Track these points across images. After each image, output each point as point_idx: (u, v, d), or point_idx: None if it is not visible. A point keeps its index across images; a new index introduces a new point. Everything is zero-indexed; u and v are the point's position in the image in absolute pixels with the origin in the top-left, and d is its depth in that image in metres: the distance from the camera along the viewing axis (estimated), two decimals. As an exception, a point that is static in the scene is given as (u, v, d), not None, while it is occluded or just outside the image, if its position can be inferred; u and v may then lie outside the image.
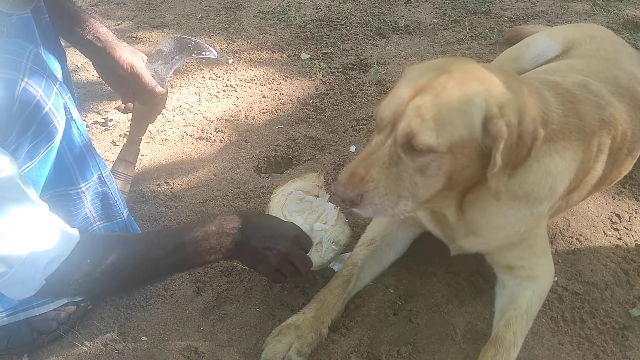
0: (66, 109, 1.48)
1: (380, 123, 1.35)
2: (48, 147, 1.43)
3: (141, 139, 2.16)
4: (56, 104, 1.41)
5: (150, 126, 2.47)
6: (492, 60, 2.54)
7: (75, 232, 1.39)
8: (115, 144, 2.51)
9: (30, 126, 1.35)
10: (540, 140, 1.35)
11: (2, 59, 1.30)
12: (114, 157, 2.23)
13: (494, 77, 1.36)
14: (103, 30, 1.80)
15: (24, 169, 1.39)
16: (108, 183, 1.68)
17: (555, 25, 2.89)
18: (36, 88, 1.34)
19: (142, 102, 1.99)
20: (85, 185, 1.60)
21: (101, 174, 1.65)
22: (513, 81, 1.41)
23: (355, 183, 1.30)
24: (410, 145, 1.28)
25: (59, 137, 1.45)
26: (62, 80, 1.69)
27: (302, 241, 1.59)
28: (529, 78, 1.75)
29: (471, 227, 1.55)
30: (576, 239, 1.90)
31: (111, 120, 2.66)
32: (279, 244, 1.53)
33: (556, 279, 1.73)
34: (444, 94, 1.28)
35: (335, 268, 1.78)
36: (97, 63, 1.87)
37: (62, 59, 1.78)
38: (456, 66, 1.35)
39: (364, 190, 1.29)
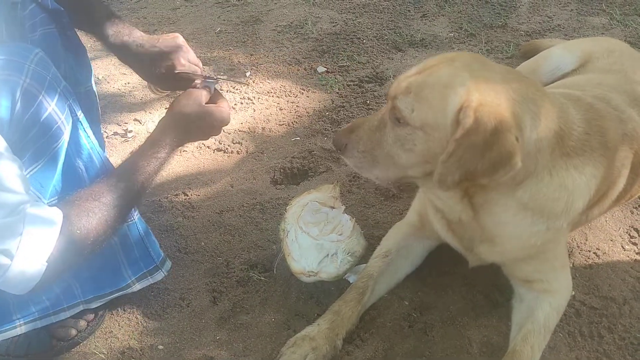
0: (72, 110, 1.48)
1: (387, 98, 1.47)
2: (54, 148, 1.43)
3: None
4: (60, 105, 1.42)
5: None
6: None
7: (57, 210, 1.32)
8: (134, 155, 2.55)
9: (33, 127, 1.36)
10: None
11: (5, 62, 1.33)
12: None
13: (501, 81, 1.34)
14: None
15: (29, 172, 1.40)
16: None
17: (572, 39, 2.89)
18: (38, 89, 1.36)
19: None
20: None
21: None
22: (532, 92, 1.36)
23: (345, 134, 1.52)
24: (395, 116, 1.39)
25: (65, 137, 1.45)
26: (89, 89, 1.71)
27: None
28: (554, 93, 1.73)
29: (486, 233, 1.54)
30: (594, 253, 1.88)
31: (130, 131, 2.71)
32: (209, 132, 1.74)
33: (573, 293, 1.72)
34: (434, 76, 1.36)
35: (351, 279, 1.78)
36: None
37: (88, 72, 1.82)
38: (464, 58, 1.40)
39: (349, 140, 1.50)
